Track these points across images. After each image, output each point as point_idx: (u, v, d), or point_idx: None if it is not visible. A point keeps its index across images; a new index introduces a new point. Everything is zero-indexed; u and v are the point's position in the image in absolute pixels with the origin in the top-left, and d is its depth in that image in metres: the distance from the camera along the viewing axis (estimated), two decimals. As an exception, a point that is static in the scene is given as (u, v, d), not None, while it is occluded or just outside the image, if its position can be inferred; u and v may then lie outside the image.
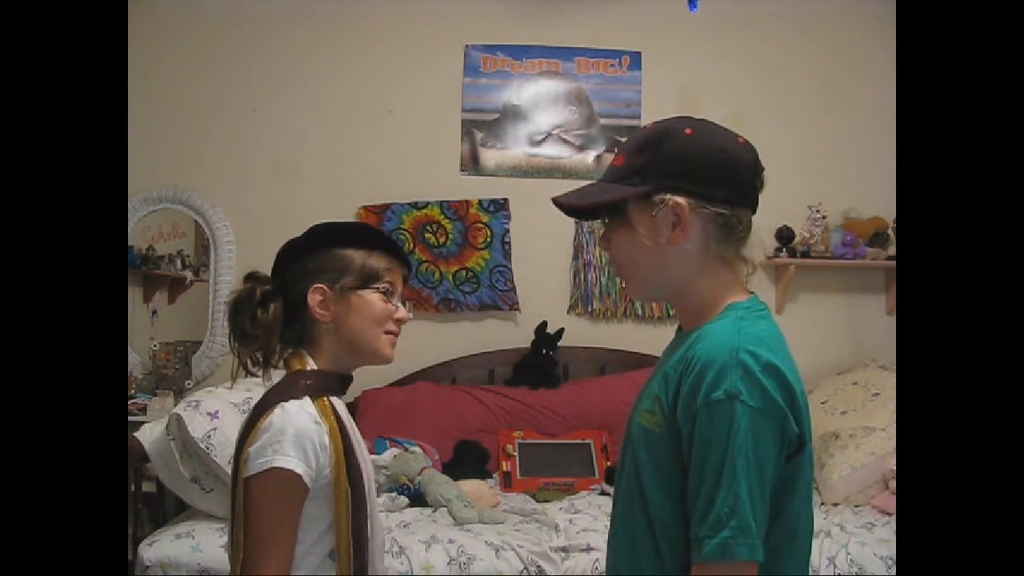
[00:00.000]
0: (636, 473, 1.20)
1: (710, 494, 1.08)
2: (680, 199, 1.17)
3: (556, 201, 1.27)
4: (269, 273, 1.46)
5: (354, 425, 1.43)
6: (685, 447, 1.12)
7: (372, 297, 1.43)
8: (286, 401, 1.33)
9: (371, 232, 1.54)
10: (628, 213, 1.21)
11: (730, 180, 1.20)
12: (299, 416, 1.32)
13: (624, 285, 1.31)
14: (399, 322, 1.45)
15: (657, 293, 1.33)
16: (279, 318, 1.41)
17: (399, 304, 1.46)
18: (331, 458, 1.33)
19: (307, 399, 1.35)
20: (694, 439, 1.11)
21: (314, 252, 1.44)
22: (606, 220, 1.26)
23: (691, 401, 1.11)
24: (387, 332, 1.45)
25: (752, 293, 1.25)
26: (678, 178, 1.18)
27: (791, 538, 1.16)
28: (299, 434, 1.30)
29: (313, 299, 1.41)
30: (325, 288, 1.41)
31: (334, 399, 1.39)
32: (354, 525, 1.34)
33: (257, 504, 1.29)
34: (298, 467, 1.29)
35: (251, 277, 1.45)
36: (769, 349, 1.13)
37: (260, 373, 1.42)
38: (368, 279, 1.43)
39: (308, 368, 1.40)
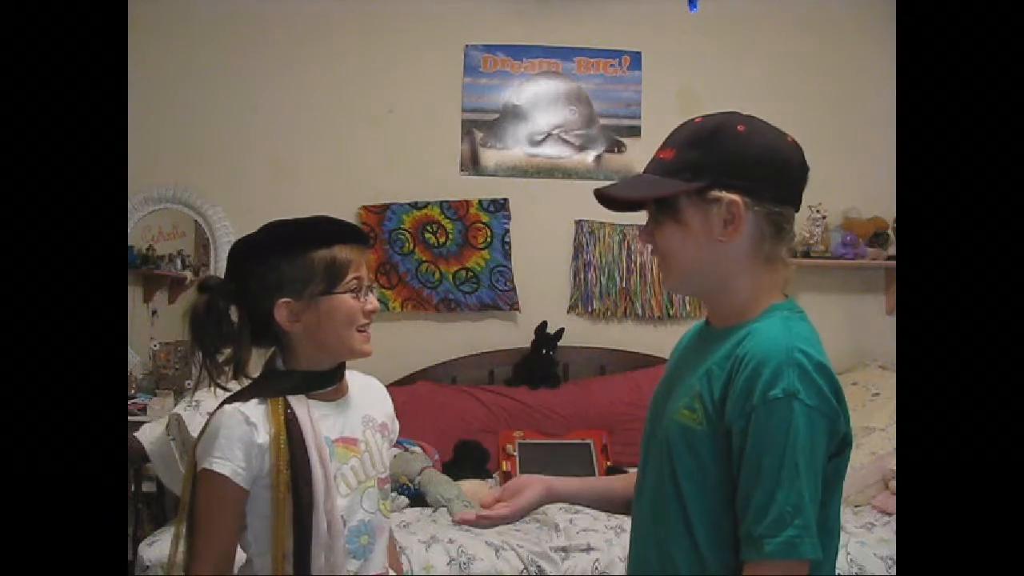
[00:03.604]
0: (671, 471, 1.17)
1: (769, 492, 1.06)
2: (736, 197, 1.16)
3: (602, 193, 1.24)
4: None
5: (318, 424, 1.36)
6: (736, 444, 1.10)
7: (341, 299, 1.36)
8: (230, 404, 1.33)
9: (329, 226, 1.40)
10: (680, 208, 1.18)
11: (781, 179, 1.20)
12: (231, 418, 1.31)
13: (662, 277, 1.29)
14: (370, 314, 1.40)
15: (696, 288, 1.31)
16: (246, 328, 1.37)
17: (368, 295, 1.40)
18: (272, 460, 1.31)
19: (252, 401, 1.33)
20: (748, 436, 1.09)
21: (274, 260, 1.35)
22: (655, 213, 1.22)
23: (745, 398, 1.10)
24: (359, 328, 1.39)
25: (787, 296, 1.24)
26: (733, 175, 1.17)
27: (829, 539, 1.15)
28: (228, 436, 1.30)
29: (280, 315, 1.35)
30: (291, 301, 1.35)
31: (298, 399, 1.35)
32: (296, 530, 1.30)
33: (196, 504, 1.33)
34: (223, 468, 1.29)
35: (206, 287, 1.38)
36: (817, 350, 1.13)
37: (229, 383, 1.39)
38: (334, 280, 1.35)
39: (275, 369, 1.39)
